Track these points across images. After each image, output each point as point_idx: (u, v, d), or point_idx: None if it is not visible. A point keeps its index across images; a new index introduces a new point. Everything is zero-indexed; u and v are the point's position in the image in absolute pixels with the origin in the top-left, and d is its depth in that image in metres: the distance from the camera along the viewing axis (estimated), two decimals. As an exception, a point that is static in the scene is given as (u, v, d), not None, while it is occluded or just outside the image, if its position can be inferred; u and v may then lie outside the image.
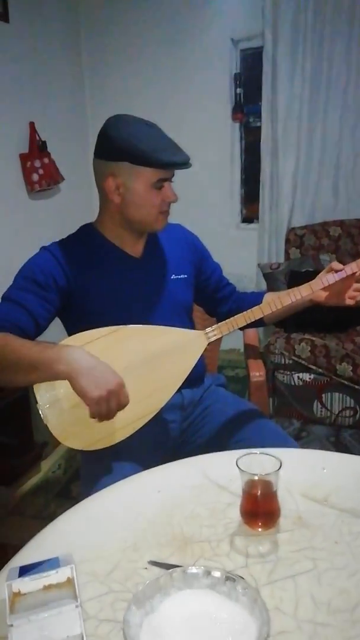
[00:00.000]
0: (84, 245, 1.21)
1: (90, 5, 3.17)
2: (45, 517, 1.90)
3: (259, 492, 0.73)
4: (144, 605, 0.55)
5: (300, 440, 2.39)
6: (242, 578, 0.61)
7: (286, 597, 0.62)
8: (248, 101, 3.13)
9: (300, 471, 0.86)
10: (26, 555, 0.72)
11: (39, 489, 2.10)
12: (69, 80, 3.14)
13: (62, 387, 1.02)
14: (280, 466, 0.73)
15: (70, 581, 0.63)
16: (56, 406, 1.04)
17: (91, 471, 1.15)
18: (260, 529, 0.73)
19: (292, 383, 2.49)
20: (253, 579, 0.65)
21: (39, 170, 2.70)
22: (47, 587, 0.64)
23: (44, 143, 2.75)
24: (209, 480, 0.86)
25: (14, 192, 2.68)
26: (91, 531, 0.76)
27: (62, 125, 3.03)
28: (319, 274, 1.24)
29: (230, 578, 0.57)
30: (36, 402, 1.04)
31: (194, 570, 0.59)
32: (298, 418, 2.53)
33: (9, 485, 2.08)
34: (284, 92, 2.85)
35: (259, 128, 3.01)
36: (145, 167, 1.11)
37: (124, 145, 1.10)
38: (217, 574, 0.58)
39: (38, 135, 2.73)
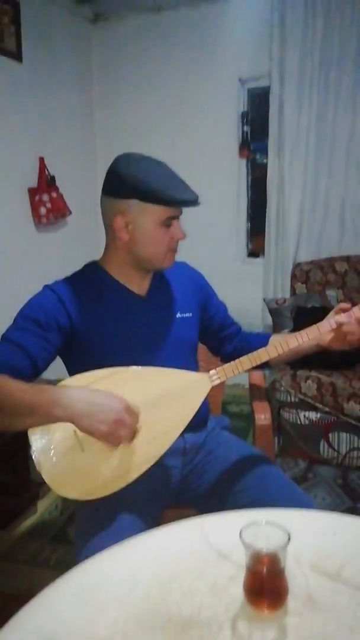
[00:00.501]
0: (88, 284, 1.19)
1: (101, 45, 3.24)
2: (40, 564, 1.83)
3: (265, 568, 0.66)
4: None
5: (306, 482, 2.30)
6: None
7: None
8: (255, 138, 3.16)
9: (309, 537, 0.79)
10: (8, 633, 0.65)
11: (34, 532, 2.01)
12: (80, 117, 3.19)
13: (58, 431, 0.98)
14: (289, 540, 0.66)
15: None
16: (50, 452, 0.99)
17: (86, 523, 1.09)
18: (266, 611, 0.66)
19: (298, 422, 2.43)
20: (257, 675, 0.57)
21: (47, 204, 2.72)
22: None
23: (53, 177, 2.78)
24: (210, 546, 0.79)
25: (22, 225, 2.69)
26: (79, 609, 0.69)
27: (71, 161, 3.07)
28: (327, 316, 1.21)
29: None
30: (30, 448, 0.99)
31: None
32: (304, 458, 2.45)
33: (3, 527, 2.00)
34: (290, 130, 2.87)
35: (266, 164, 3.02)
36: (154, 205, 1.10)
37: (134, 182, 1.08)
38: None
39: (47, 170, 2.75)
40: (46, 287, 1.17)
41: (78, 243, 2.96)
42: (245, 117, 3.10)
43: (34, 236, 2.77)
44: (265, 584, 0.66)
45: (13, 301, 1.21)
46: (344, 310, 1.17)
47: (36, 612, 0.69)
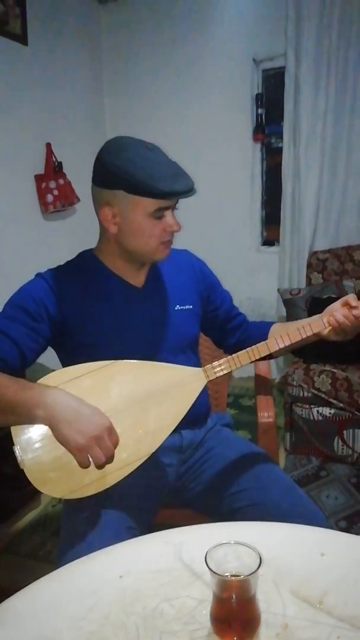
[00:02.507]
0: (81, 273, 1.14)
1: (110, 26, 3.15)
2: (40, 558, 1.82)
3: (234, 596, 0.58)
4: None
5: (319, 480, 2.22)
6: None
7: None
8: (270, 122, 3.03)
9: (294, 556, 0.71)
10: None
11: (37, 525, 1.99)
12: (88, 101, 3.10)
13: (42, 429, 0.93)
14: (260, 564, 0.58)
15: None
16: (35, 450, 0.94)
17: (71, 524, 1.04)
18: (233, 643, 0.59)
19: (311, 417, 2.34)
20: None
21: (54, 191, 2.66)
22: None
23: (60, 164, 2.71)
24: (182, 563, 0.72)
25: (28, 212, 2.64)
26: (43, 623, 0.63)
27: (79, 147, 2.99)
28: (331, 306, 1.12)
29: None
30: (12, 445, 0.94)
31: None
32: (317, 455, 2.37)
33: (4, 520, 1.98)
34: (306, 112, 2.73)
35: (281, 149, 2.90)
36: (142, 197, 1.02)
37: (119, 172, 1.01)
38: None
39: (54, 156, 2.69)
40: (38, 275, 1.13)
41: (86, 232, 2.87)
42: (259, 99, 2.97)
43: (41, 224, 2.72)
44: (234, 613, 0.59)
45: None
46: (352, 306, 1.09)
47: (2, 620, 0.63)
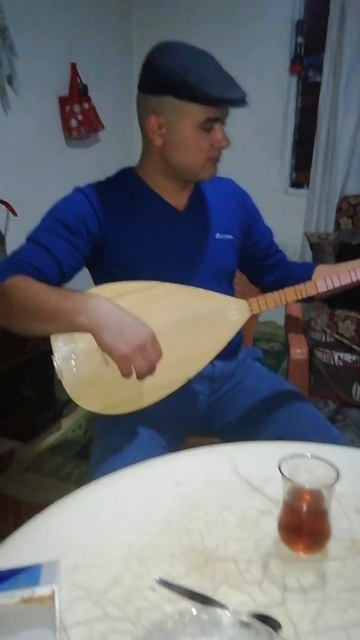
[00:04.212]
0: (122, 191, 1.08)
1: None
2: (62, 477, 1.88)
3: (306, 506, 0.56)
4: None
5: (335, 424, 2.23)
6: (279, 624, 0.46)
7: (336, 657, 0.46)
8: (309, 53, 2.84)
9: (355, 478, 0.69)
10: (7, 551, 0.59)
11: (58, 448, 2.04)
12: (115, 16, 2.89)
13: (83, 341, 0.91)
14: (338, 478, 0.56)
15: (53, 598, 0.49)
16: (73, 361, 0.92)
17: (106, 438, 1.04)
18: (302, 552, 0.57)
19: (332, 363, 2.33)
20: (292, 624, 0.49)
21: (78, 115, 2.53)
22: (27, 601, 0.51)
23: (85, 87, 2.57)
24: (239, 477, 0.70)
25: (51, 137, 2.53)
26: (91, 527, 0.62)
27: (105, 68, 2.83)
28: None
29: (262, 633, 0.41)
30: (48, 351, 0.92)
31: (214, 614, 0.43)
32: (334, 400, 2.37)
33: (27, 441, 2.02)
34: (350, 43, 2.56)
35: (319, 84, 2.73)
36: (192, 103, 0.95)
37: (169, 75, 0.94)
38: (247, 623, 0.42)
39: (79, 77, 2.55)
40: (77, 189, 1.07)
41: (110, 162, 2.77)
42: (300, 27, 2.77)
43: (64, 150, 2.61)
44: (305, 524, 0.57)
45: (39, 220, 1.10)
46: None
47: (42, 528, 0.62)
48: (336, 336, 2.29)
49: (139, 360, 0.86)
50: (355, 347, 2.25)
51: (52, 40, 2.42)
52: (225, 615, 0.43)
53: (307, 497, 0.57)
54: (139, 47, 3.03)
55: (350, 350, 2.27)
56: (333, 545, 0.58)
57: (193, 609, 0.44)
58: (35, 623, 0.49)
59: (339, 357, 2.30)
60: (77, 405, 0.93)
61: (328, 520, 0.58)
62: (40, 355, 1.95)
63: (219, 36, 2.88)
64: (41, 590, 0.50)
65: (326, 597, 0.52)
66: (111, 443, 0.99)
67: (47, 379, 2.02)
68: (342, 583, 0.54)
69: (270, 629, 0.42)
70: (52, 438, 2.08)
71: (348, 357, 2.28)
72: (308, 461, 0.59)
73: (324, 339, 2.31)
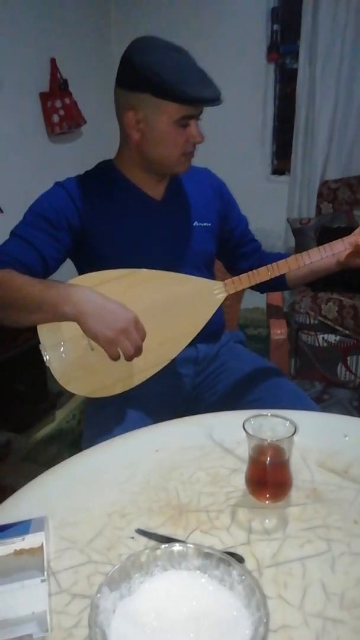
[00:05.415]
0: (101, 184, 1.12)
1: None
2: None
3: (268, 459, 0.63)
4: (119, 587, 0.47)
5: (322, 403, 2.29)
6: (242, 558, 0.52)
7: (292, 583, 0.53)
8: (285, 40, 2.87)
9: (319, 437, 0.76)
10: (1, 513, 0.65)
11: (53, 438, 2.10)
12: (94, 12, 2.91)
13: (68, 329, 0.96)
14: (295, 431, 0.62)
15: (42, 548, 0.55)
16: (60, 349, 0.98)
17: (96, 418, 1.10)
18: (267, 501, 0.64)
19: (317, 344, 2.38)
20: (255, 558, 0.55)
21: (60, 111, 2.56)
22: (19, 552, 0.57)
23: (66, 82, 2.59)
24: (213, 441, 0.76)
25: (34, 133, 2.55)
26: (76, 491, 0.68)
27: (85, 63, 2.85)
28: (355, 230, 1.11)
29: (224, 561, 0.48)
30: (38, 343, 0.98)
31: (181, 547, 0.50)
32: (320, 380, 2.43)
33: (22, 432, 2.08)
34: (325, 29, 2.59)
35: (296, 71, 2.76)
36: (169, 102, 0.99)
37: (147, 74, 0.97)
38: (209, 553, 0.49)
39: (59, 72, 2.56)
40: (57, 184, 1.11)
41: (94, 156, 2.80)
42: (275, 14, 2.80)
43: (47, 147, 2.64)
44: (269, 475, 0.64)
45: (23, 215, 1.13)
46: None
47: (31, 493, 0.68)
48: (320, 318, 2.34)
49: (124, 343, 0.90)
50: (338, 327, 2.31)
51: (31, 35, 2.43)
52: (190, 548, 0.49)
53: (269, 451, 0.63)
54: (118, 39, 3.05)
55: (333, 331, 2.33)
56: (295, 494, 0.65)
57: (164, 545, 0.50)
58: (27, 568, 0.55)
59: (323, 338, 2.35)
60: (67, 392, 0.98)
61: (289, 471, 0.64)
62: (32, 348, 1.95)
63: (195, 27, 2.90)
64: (31, 541, 0.56)
65: (286, 536, 0.59)
66: (101, 424, 1.04)
67: (40, 372, 2.05)
68: (301, 524, 0.61)
69: (230, 557, 0.48)
70: (47, 429, 2.14)
71: (332, 338, 2.33)
72: (270, 420, 0.65)
73: (308, 322, 2.37)
